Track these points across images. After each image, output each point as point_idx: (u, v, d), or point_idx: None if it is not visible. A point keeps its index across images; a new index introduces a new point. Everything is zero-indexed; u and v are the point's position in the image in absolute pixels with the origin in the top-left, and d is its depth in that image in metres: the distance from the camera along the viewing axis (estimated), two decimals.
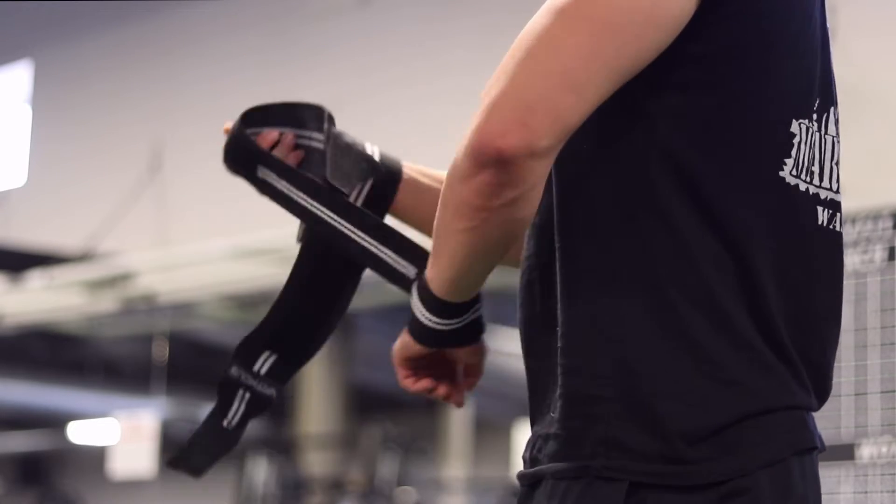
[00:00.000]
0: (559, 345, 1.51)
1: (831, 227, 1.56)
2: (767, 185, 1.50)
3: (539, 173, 1.45)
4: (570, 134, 1.45)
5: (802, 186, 1.52)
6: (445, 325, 1.61)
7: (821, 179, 1.54)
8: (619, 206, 1.49)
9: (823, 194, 1.55)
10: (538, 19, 1.45)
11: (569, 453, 1.48)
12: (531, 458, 1.53)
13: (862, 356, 3.78)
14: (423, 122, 6.59)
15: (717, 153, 1.48)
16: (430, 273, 1.58)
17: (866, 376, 3.76)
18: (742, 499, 1.44)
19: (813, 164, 1.53)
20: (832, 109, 1.57)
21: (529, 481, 1.53)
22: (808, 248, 1.53)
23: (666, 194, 1.48)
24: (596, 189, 1.50)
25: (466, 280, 1.58)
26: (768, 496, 1.45)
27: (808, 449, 1.51)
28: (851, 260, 3.98)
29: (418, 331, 1.62)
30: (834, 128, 1.57)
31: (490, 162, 1.43)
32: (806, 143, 1.52)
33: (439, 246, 1.55)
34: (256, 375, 1.75)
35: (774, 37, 1.51)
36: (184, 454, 1.75)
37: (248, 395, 1.75)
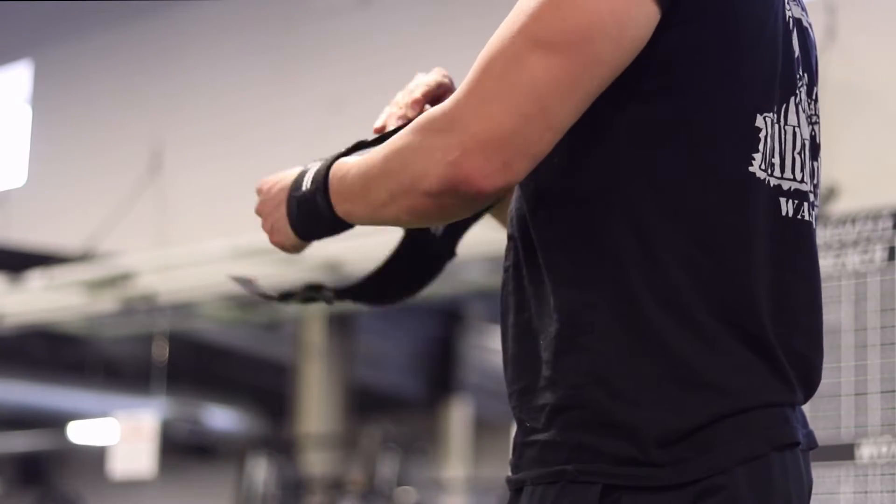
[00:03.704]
0: (543, 358, 1.53)
1: (798, 217, 1.56)
2: (738, 182, 1.50)
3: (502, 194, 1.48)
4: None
5: (766, 179, 1.52)
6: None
7: (782, 170, 1.54)
8: (586, 215, 1.49)
9: (786, 185, 1.55)
10: (511, 40, 1.44)
11: (546, 459, 1.50)
12: (514, 465, 1.57)
13: (862, 356, 3.78)
14: None
15: (684, 155, 1.49)
16: (342, 206, 1.58)
17: (866, 376, 3.76)
18: (718, 496, 1.44)
19: (773, 156, 1.53)
20: (792, 98, 1.56)
21: (514, 486, 1.57)
22: (777, 241, 1.53)
23: (633, 200, 1.48)
24: (564, 199, 1.51)
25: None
26: (746, 492, 1.45)
27: (790, 445, 1.51)
28: (851, 260, 3.98)
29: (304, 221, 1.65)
30: (794, 117, 1.56)
31: (464, 195, 1.46)
32: (770, 137, 1.53)
33: (366, 208, 1.55)
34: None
35: (735, 34, 1.50)
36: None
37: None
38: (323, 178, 1.59)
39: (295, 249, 1.69)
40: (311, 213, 1.61)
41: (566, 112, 1.44)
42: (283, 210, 1.66)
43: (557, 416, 1.50)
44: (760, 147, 1.51)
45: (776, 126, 1.53)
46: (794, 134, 1.56)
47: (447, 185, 1.44)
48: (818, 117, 1.65)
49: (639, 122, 1.48)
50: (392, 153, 1.50)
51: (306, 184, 1.62)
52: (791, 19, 1.58)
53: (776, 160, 1.53)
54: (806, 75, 1.62)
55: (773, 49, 1.54)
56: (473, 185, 1.43)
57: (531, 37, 1.43)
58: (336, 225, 1.61)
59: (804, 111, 1.60)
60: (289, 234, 1.67)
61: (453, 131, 1.44)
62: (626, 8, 1.43)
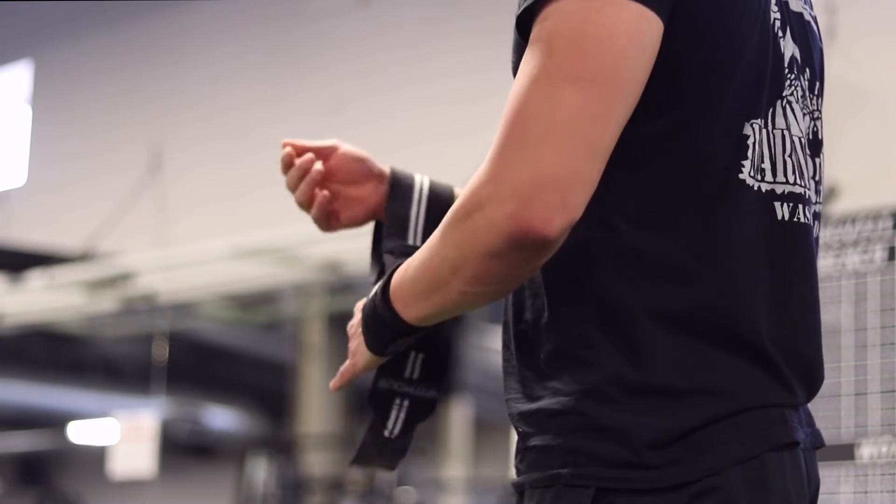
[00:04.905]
0: (537, 368, 1.54)
1: (795, 219, 1.55)
2: (730, 190, 1.50)
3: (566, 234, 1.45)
4: None
5: (756, 185, 1.52)
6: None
7: (774, 175, 1.54)
8: (577, 230, 1.46)
9: (780, 189, 1.54)
10: (537, 84, 1.42)
11: (543, 464, 1.51)
12: (517, 468, 1.58)
13: (862, 356, 3.78)
14: (424, 122, 6.59)
15: (676, 166, 1.49)
16: (407, 308, 1.57)
17: (866, 376, 3.76)
18: (713, 497, 1.45)
19: (763, 162, 1.53)
20: (779, 102, 1.55)
21: (518, 490, 1.58)
22: (775, 245, 1.53)
23: (625, 213, 1.49)
24: None
25: (445, 316, 1.59)
26: (741, 493, 1.45)
27: (788, 444, 1.51)
28: (851, 260, 3.98)
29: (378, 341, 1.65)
30: (782, 119, 1.55)
31: (531, 247, 1.41)
32: (758, 143, 1.53)
33: (429, 294, 1.53)
34: (410, 381, 1.75)
35: (725, 45, 1.50)
36: (360, 457, 1.76)
37: (406, 402, 1.76)
38: (383, 285, 1.59)
39: (366, 368, 1.70)
40: (376, 323, 1.62)
41: (607, 138, 1.42)
42: (360, 331, 1.68)
43: (551, 421, 1.51)
44: (749, 154, 1.51)
45: (764, 131, 1.53)
46: (783, 137, 1.55)
47: (512, 239, 1.40)
48: (820, 112, 1.64)
49: (631, 137, 1.47)
50: (449, 229, 1.47)
51: (371, 297, 1.63)
52: (777, 20, 1.57)
53: (766, 165, 1.53)
54: (807, 70, 1.61)
55: (761, 54, 1.53)
56: (538, 232, 1.39)
57: (557, 76, 1.41)
58: (404, 328, 1.59)
59: (802, 108, 1.59)
60: (364, 353, 1.69)
61: (502, 186, 1.40)
62: (638, 27, 1.42)
